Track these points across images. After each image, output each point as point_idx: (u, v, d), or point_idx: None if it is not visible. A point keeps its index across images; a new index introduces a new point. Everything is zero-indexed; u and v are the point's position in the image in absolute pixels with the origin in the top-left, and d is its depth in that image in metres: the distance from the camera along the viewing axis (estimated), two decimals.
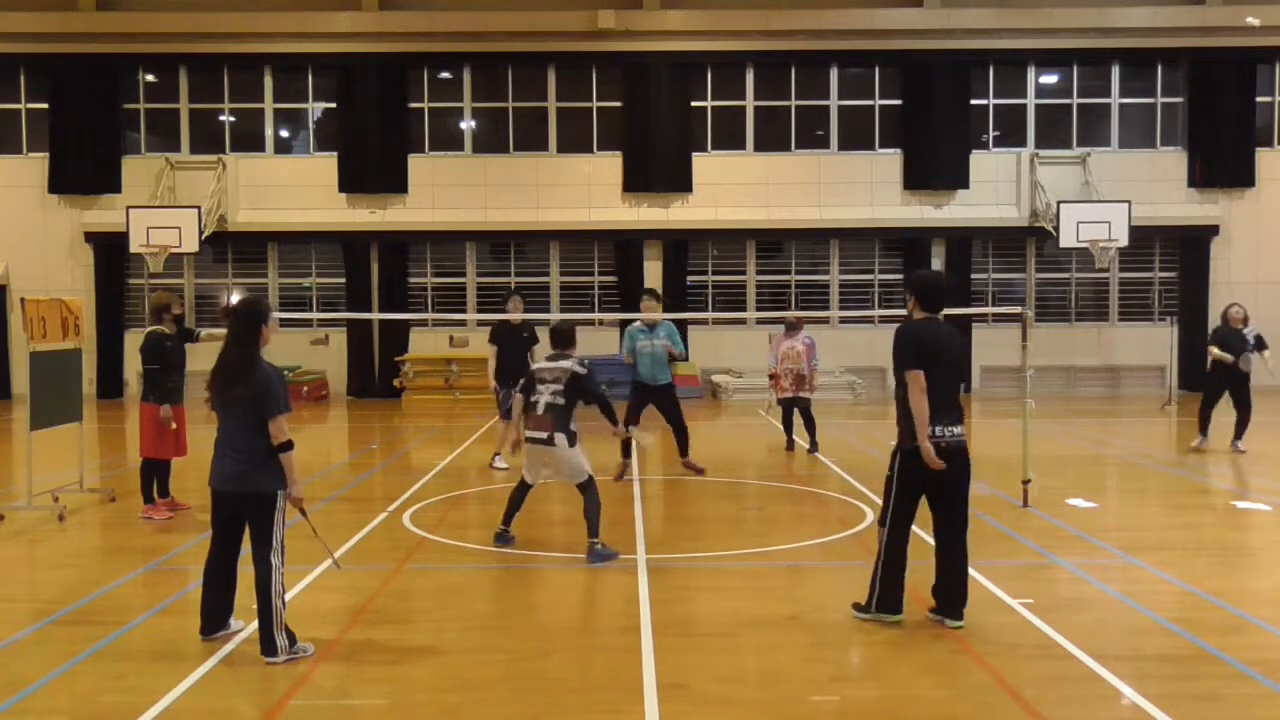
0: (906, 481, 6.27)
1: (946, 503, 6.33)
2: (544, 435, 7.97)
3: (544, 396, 7.98)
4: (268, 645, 5.74)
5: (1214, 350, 13.41)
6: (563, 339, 8.41)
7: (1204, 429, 13.57)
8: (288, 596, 5.94)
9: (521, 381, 8.23)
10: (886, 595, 6.33)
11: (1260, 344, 13.48)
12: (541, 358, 8.24)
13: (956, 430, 6.23)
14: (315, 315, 22.37)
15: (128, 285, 22.81)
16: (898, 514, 6.30)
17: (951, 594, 6.34)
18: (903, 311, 6.72)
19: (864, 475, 11.41)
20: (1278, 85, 22.91)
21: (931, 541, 6.48)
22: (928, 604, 6.47)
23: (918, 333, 6.30)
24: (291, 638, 5.81)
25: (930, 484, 6.27)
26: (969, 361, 22.50)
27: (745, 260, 23.29)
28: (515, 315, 12.49)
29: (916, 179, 22.72)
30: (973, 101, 22.74)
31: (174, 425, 9.63)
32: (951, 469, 6.22)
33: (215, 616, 6.11)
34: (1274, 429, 15.37)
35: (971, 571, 7.35)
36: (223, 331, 6.24)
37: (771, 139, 23.07)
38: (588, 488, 8.07)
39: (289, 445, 5.87)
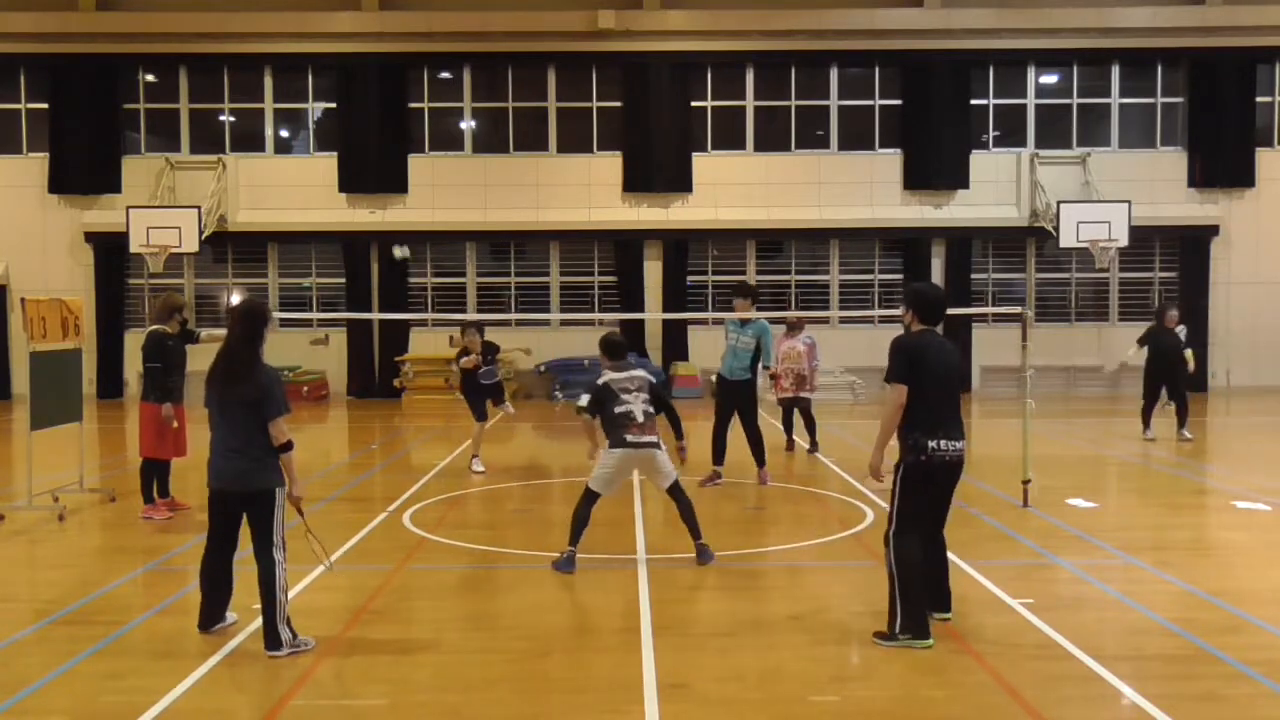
0: (912, 495, 6.11)
1: (936, 512, 6.27)
2: (653, 440, 7.90)
3: (637, 405, 7.90)
4: (271, 639, 5.80)
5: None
6: (620, 350, 8.29)
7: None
8: (291, 594, 5.97)
9: (589, 399, 8.06)
10: (911, 620, 5.97)
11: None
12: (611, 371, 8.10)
13: (958, 445, 6.11)
14: (315, 315, 22.36)
15: (128, 285, 22.80)
16: (902, 529, 6.11)
17: (939, 586, 6.35)
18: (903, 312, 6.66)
19: (864, 475, 11.37)
20: (1278, 85, 22.91)
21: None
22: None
23: (912, 346, 6.19)
24: (293, 632, 5.86)
25: (934, 495, 6.19)
26: (969, 365, 22.50)
27: (745, 260, 23.28)
28: (475, 352, 12.56)
29: (916, 179, 22.72)
30: (973, 101, 22.73)
31: (176, 424, 9.64)
32: (948, 482, 6.18)
33: (214, 613, 6.20)
34: (1274, 429, 15.38)
35: (971, 571, 7.39)
36: (223, 332, 6.28)
37: (771, 139, 23.06)
38: (679, 491, 8.04)
39: (289, 446, 5.99)
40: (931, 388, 6.11)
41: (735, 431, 11.41)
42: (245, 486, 5.94)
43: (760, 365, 11.33)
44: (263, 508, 5.94)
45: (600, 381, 8.04)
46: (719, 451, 11.48)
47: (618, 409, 7.88)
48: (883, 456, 6.19)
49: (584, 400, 8.04)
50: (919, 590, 6.03)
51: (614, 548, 8.36)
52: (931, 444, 6.03)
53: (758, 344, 11.24)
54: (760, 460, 11.46)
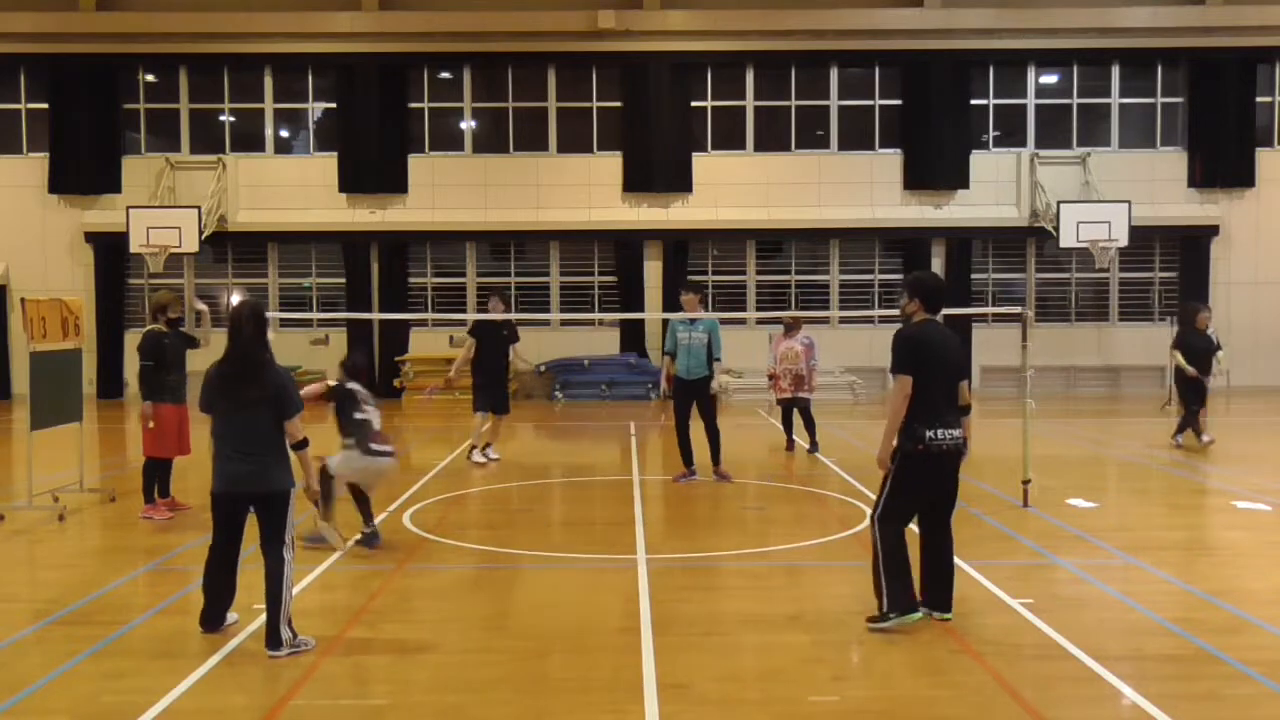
0: (907, 482, 6.26)
1: (938, 502, 6.39)
2: (391, 449, 8.46)
3: (375, 417, 8.40)
4: (273, 638, 5.81)
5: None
6: (362, 373, 8.67)
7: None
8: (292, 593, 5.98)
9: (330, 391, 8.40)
10: (898, 595, 6.15)
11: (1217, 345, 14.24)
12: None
13: (955, 433, 6.22)
14: (315, 315, 22.37)
15: (128, 285, 22.80)
16: (890, 511, 6.29)
17: (940, 584, 6.39)
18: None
19: (864, 475, 11.40)
20: (1278, 85, 22.92)
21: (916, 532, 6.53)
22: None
23: (920, 337, 6.28)
24: (293, 631, 5.88)
25: (929, 485, 6.31)
26: (970, 362, 22.50)
27: (745, 260, 23.29)
28: (496, 315, 12.86)
29: (916, 179, 22.72)
30: (973, 101, 22.75)
31: (151, 424, 9.56)
32: (947, 470, 6.28)
33: (216, 613, 6.21)
34: (1274, 429, 15.38)
35: (971, 571, 7.39)
36: (222, 331, 6.28)
37: (771, 139, 23.07)
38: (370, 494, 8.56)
39: (305, 442, 6.07)
40: (933, 379, 6.20)
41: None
42: (259, 488, 5.95)
43: (713, 359, 11.29)
44: (277, 508, 5.96)
45: (347, 386, 8.37)
46: (687, 453, 11.52)
47: (358, 415, 8.28)
48: (891, 448, 6.26)
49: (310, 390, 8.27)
50: (904, 568, 6.19)
51: (614, 548, 8.36)
52: (929, 434, 6.14)
53: (709, 340, 11.25)
54: (717, 458, 11.48)
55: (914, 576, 6.31)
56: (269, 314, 6.44)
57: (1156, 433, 16.52)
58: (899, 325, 6.46)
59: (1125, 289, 23.35)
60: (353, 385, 8.39)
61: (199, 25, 22.18)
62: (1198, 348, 13.83)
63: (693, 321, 11.31)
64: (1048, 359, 21.42)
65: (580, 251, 23.23)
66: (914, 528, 6.55)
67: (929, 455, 6.16)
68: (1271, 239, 22.75)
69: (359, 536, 8.34)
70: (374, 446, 8.22)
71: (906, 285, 6.52)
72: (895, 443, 6.27)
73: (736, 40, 22.56)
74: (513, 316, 13.94)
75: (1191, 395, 13.77)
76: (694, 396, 11.37)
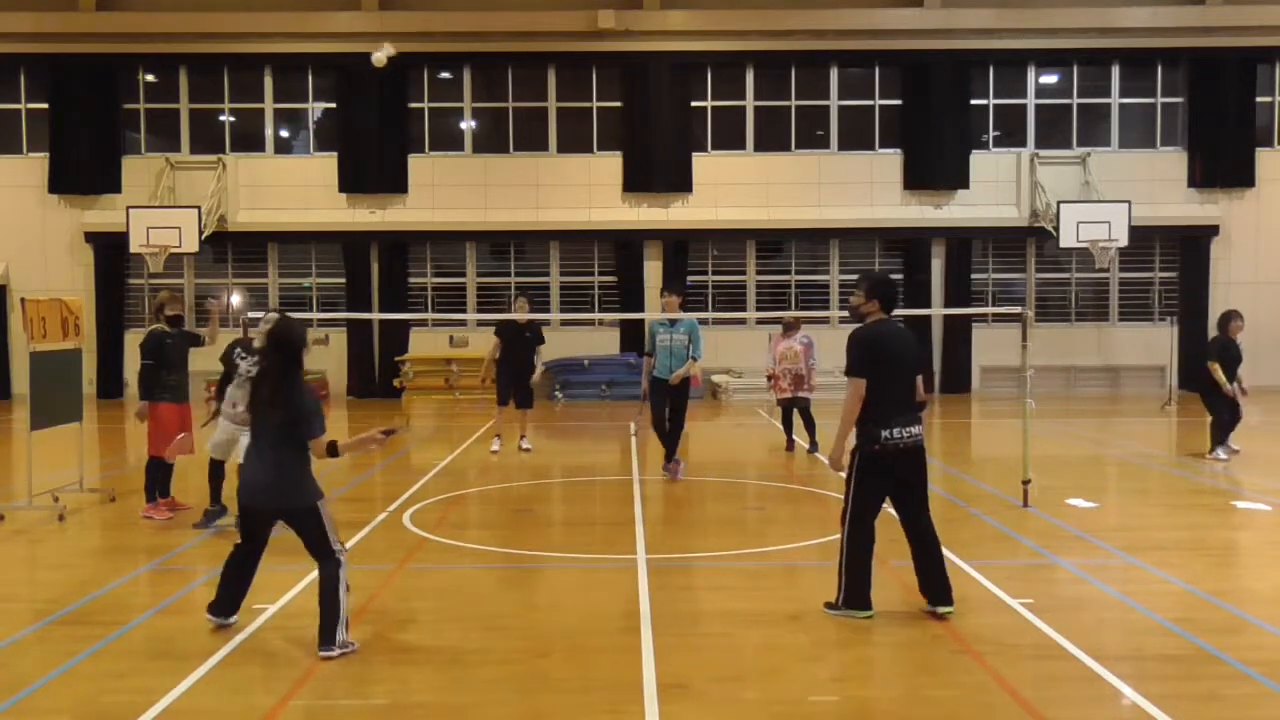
0: (866, 482, 6.38)
1: (908, 498, 6.48)
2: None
3: (240, 392, 8.85)
4: (327, 639, 5.76)
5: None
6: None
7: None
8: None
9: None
10: (854, 592, 6.40)
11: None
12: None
13: (914, 430, 6.35)
14: (315, 315, 22.35)
15: (128, 285, 22.80)
16: (857, 512, 6.40)
17: (934, 581, 6.45)
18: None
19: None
20: (1278, 85, 22.91)
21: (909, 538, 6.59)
22: (921, 601, 6.51)
23: (877, 337, 6.38)
24: (347, 632, 5.87)
25: (890, 483, 6.42)
26: (969, 364, 22.56)
27: (745, 260, 23.28)
28: (521, 316, 13.56)
29: (916, 179, 22.71)
30: (973, 101, 22.73)
31: (145, 420, 9.61)
32: (908, 468, 6.39)
33: (228, 604, 6.22)
34: (1274, 429, 15.37)
35: (971, 571, 7.39)
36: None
37: (771, 139, 23.05)
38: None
39: (334, 449, 5.95)
40: (889, 379, 6.31)
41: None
42: (281, 504, 5.96)
43: (690, 357, 11.39)
44: (305, 522, 5.94)
45: (236, 359, 9.05)
46: (668, 443, 11.64)
47: (231, 387, 9.01)
48: (844, 448, 6.42)
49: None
50: (865, 569, 6.37)
51: (614, 548, 8.36)
52: (885, 433, 6.27)
53: (690, 341, 11.38)
54: (672, 453, 11.59)
55: (900, 576, 6.35)
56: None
57: (1156, 433, 16.54)
58: (857, 327, 6.52)
59: (1125, 289, 23.34)
60: (242, 359, 8.97)
61: (199, 25, 22.17)
62: (1234, 357, 13.12)
63: (673, 323, 11.43)
64: (1048, 359, 21.42)
65: (580, 251, 23.23)
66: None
67: (886, 454, 6.30)
68: (1271, 239, 22.74)
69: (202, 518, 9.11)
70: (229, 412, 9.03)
71: (866, 286, 6.51)
72: (849, 444, 6.44)
73: (736, 40, 22.55)
74: (513, 317, 14.10)
75: (1223, 406, 13.06)
76: (671, 396, 11.47)
